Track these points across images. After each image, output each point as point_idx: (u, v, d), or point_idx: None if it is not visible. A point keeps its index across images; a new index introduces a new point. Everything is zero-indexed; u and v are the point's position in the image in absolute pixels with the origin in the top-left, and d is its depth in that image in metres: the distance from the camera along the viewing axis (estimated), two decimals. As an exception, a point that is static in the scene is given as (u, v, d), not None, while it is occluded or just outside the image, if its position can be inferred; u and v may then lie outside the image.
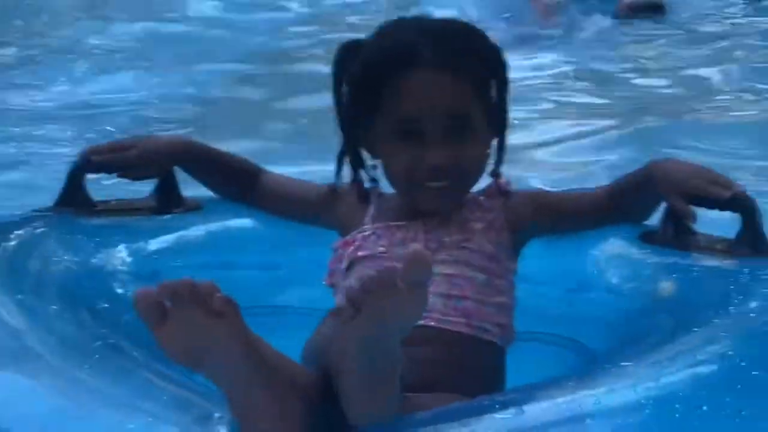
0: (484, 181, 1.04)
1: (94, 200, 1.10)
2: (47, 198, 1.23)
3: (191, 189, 1.23)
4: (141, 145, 1.18)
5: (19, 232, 1.04)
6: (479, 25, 1.11)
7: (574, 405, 0.65)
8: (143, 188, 1.20)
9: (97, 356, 0.81)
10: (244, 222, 1.22)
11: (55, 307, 0.87)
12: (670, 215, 1.05)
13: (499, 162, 1.03)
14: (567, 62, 4.00)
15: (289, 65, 3.99)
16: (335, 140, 1.07)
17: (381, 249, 0.96)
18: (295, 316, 1.12)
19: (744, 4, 4.48)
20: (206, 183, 1.22)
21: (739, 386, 0.69)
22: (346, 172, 1.07)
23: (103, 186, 1.21)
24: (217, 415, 0.65)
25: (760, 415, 0.66)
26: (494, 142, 1.03)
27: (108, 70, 3.89)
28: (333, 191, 1.09)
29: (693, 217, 1.02)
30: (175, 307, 0.53)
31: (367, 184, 1.06)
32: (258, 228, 1.22)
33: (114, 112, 3.23)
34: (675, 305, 0.96)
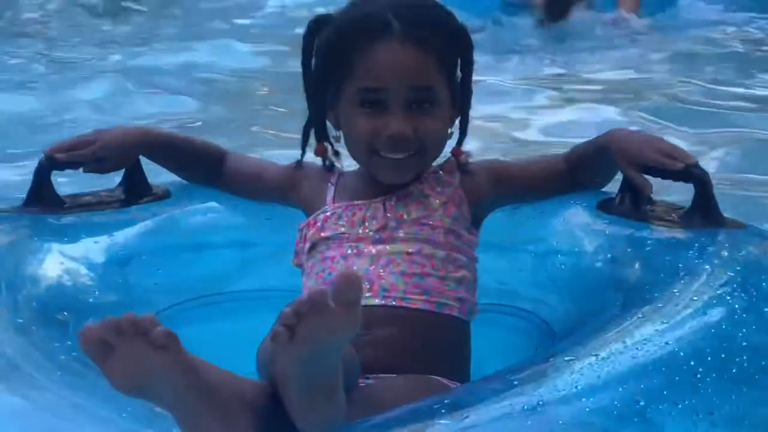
0: (443, 157, 1.05)
1: (61, 197, 1.10)
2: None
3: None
4: (104, 138, 1.19)
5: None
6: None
7: (517, 405, 0.67)
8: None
9: (60, 369, 0.82)
10: (214, 205, 1.22)
11: (20, 320, 0.86)
12: (627, 185, 1.07)
13: (461, 140, 1.06)
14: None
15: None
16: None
17: (342, 229, 0.99)
18: (267, 300, 1.11)
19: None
20: (172, 169, 1.22)
21: (677, 378, 0.72)
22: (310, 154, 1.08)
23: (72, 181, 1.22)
24: (175, 431, 0.66)
25: (697, 403, 0.70)
26: (457, 121, 1.04)
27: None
28: (297, 170, 1.10)
29: (649, 188, 1.04)
30: (119, 343, 0.55)
31: (328, 164, 1.07)
32: (227, 211, 1.21)
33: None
34: (626, 279, 0.99)
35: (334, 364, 0.61)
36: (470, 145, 1.14)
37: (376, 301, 0.94)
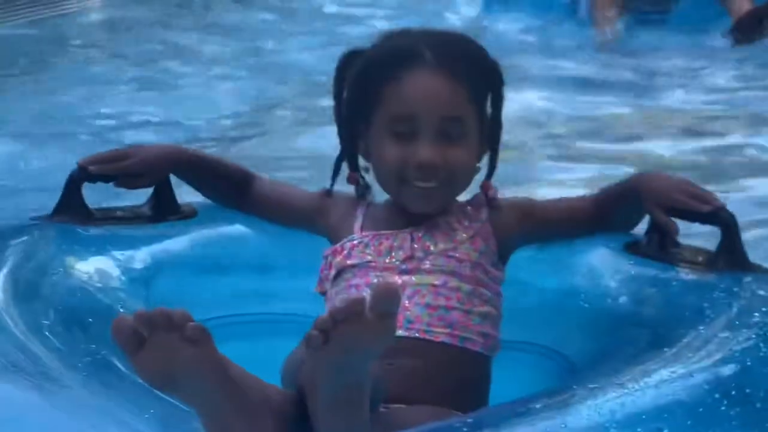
0: (472, 192, 1.06)
1: (91, 209, 1.11)
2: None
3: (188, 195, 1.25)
4: (137, 154, 1.19)
5: (16, 240, 1.05)
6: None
7: (539, 428, 0.67)
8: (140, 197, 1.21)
9: (85, 372, 0.83)
10: (239, 228, 1.23)
11: (47, 321, 0.88)
12: (655, 227, 1.09)
13: (489, 174, 1.06)
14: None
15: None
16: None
17: (368, 258, 0.99)
18: (288, 324, 1.12)
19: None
20: (201, 190, 1.24)
21: (701, 410, 0.71)
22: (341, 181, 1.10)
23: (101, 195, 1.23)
24: None
25: None
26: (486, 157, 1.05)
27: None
28: (325, 198, 1.10)
29: (675, 230, 1.05)
30: (151, 335, 0.56)
31: (360, 191, 1.07)
32: (252, 234, 1.23)
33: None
34: (650, 319, 0.99)
35: (363, 374, 0.62)
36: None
37: (400, 332, 0.89)
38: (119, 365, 0.85)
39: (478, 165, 1.04)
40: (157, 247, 1.21)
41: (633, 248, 1.11)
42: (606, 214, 1.12)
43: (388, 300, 0.56)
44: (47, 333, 0.91)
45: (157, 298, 1.07)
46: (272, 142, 3.10)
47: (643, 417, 0.70)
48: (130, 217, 1.24)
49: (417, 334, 0.93)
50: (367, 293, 0.62)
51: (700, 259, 1.07)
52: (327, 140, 1.60)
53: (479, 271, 0.99)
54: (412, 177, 0.96)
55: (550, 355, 1.12)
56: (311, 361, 0.61)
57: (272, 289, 1.16)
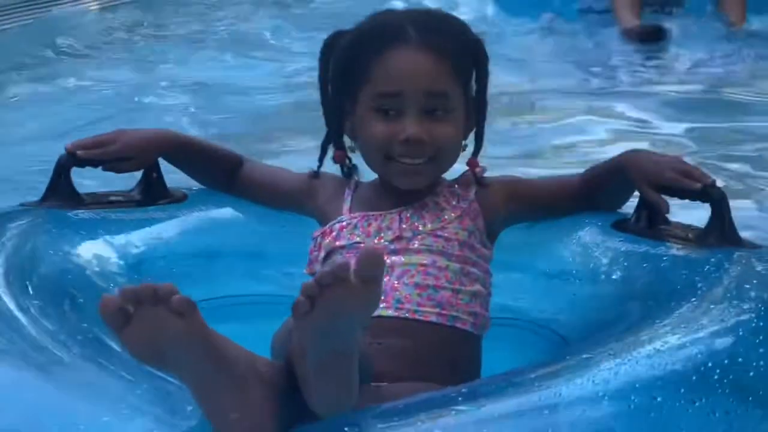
0: (459, 170, 1.07)
1: (80, 193, 1.11)
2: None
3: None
4: (125, 138, 1.19)
5: (6, 225, 1.06)
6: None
7: (534, 398, 0.68)
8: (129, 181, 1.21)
9: (76, 350, 0.83)
10: (230, 212, 1.24)
11: (38, 301, 0.88)
12: (644, 204, 1.09)
13: (476, 151, 1.06)
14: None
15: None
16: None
17: (357, 239, 0.99)
18: (279, 305, 1.02)
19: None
20: (190, 173, 1.25)
21: (694, 378, 0.72)
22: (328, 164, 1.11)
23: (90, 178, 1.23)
24: (189, 408, 0.67)
25: (715, 406, 0.70)
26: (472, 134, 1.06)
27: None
28: (313, 179, 1.11)
29: (666, 208, 1.06)
30: (138, 310, 0.56)
31: (346, 170, 1.09)
32: (242, 217, 1.24)
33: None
34: (641, 294, 1.00)
35: (351, 341, 0.62)
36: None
37: (390, 313, 0.94)
38: (112, 344, 0.85)
39: (464, 142, 1.05)
40: (148, 231, 1.20)
41: (621, 226, 1.12)
42: (594, 192, 1.13)
43: (372, 265, 0.57)
44: (39, 315, 0.91)
45: (148, 281, 1.07)
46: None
47: (637, 386, 0.71)
48: (120, 201, 1.24)
49: (407, 315, 0.94)
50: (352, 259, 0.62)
51: (690, 235, 1.07)
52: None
53: (468, 250, 1.00)
54: (398, 153, 0.97)
55: (542, 332, 1.12)
56: (298, 329, 0.62)
57: (263, 271, 1.17)
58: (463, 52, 1.02)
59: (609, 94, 3.62)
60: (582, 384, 0.71)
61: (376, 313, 0.68)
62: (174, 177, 1.25)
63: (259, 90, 3.38)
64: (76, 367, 0.79)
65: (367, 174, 1.11)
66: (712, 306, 0.87)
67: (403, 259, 0.98)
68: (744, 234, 1.13)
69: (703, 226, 1.08)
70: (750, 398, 0.76)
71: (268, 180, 1.21)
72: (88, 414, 0.72)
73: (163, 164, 1.20)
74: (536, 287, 1.15)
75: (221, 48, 4.02)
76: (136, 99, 3.26)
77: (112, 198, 1.15)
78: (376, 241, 1.01)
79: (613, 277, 1.08)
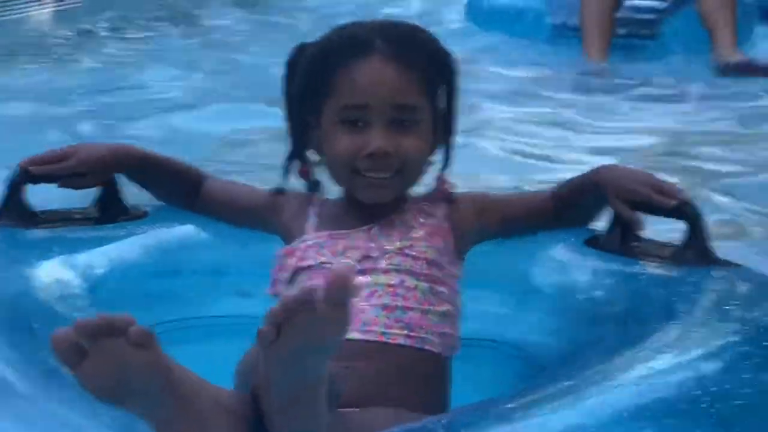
0: (427, 187, 1.07)
1: (35, 211, 1.09)
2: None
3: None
4: (82, 153, 1.16)
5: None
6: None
7: (519, 429, 0.67)
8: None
9: (35, 380, 0.79)
10: (191, 230, 1.22)
11: None
12: (617, 221, 1.08)
13: (445, 167, 1.05)
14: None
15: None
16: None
17: (323, 259, 0.97)
18: (241, 326, 1.08)
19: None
20: (150, 189, 1.22)
21: (682, 407, 0.71)
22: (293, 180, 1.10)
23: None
24: None
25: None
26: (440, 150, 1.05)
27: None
28: (276, 196, 1.10)
29: (640, 225, 1.05)
30: (93, 345, 0.54)
31: (311, 186, 1.07)
32: (205, 235, 1.22)
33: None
34: (619, 314, 0.98)
35: (319, 369, 0.60)
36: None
37: (356, 335, 0.90)
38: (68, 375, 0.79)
39: (431, 158, 1.04)
40: (105, 250, 1.15)
41: (594, 243, 1.11)
42: (566, 208, 1.12)
43: (341, 289, 0.54)
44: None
45: (105, 302, 1.04)
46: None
47: (625, 416, 0.68)
48: (77, 218, 1.20)
49: (374, 337, 0.92)
50: (319, 284, 0.57)
51: (665, 253, 1.06)
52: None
53: (436, 269, 0.98)
54: (364, 168, 0.96)
55: (514, 353, 1.10)
56: (263, 359, 0.59)
57: (225, 291, 1.15)
58: (431, 65, 1.01)
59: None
60: (567, 415, 0.70)
61: None
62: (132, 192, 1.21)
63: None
64: (33, 398, 0.76)
65: (332, 190, 1.10)
66: (694, 329, 0.87)
67: (370, 279, 0.95)
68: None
69: (676, 244, 1.08)
70: (737, 428, 0.74)
71: (231, 197, 1.19)
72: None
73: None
74: (507, 306, 1.11)
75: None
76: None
77: (69, 216, 1.12)
78: (342, 260, 0.98)
79: (588, 296, 1.05)
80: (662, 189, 1.03)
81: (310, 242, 1.00)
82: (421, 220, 1.01)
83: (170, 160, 1.26)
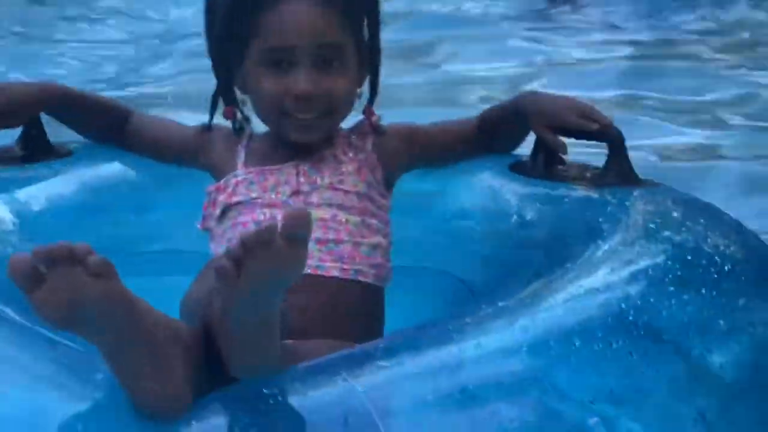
0: (355, 119, 1.10)
1: (-42, 152, 1.06)
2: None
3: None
4: (6, 92, 1.15)
5: None
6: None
7: (454, 350, 0.71)
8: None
9: None
10: (117, 167, 1.23)
11: None
12: (541, 146, 1.12)
13: (371, 100, 1.07)
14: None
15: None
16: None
17: (253, 194, 1.01)
18: (171, 261, 1.15)
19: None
20: (75, 127, 1.22)
21: (610, 321, 0.77)
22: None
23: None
24: (99, 375, 0.66)
25: (633, 348, 0.75)
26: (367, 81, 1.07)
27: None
28: (205, 133, 1.11)
29: (563, 148, 1.10)
30: (51, 271, 0.53)
31: (237, 125, 1.10)
32: (131, 172, 1.22)
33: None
34: (545, 237, 1.04)
35: (276, 304, 0.63)
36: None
37: None
38: (8, 311, 0.83)
39: (359, 90, 1.05)
40: (35, 188, 1.16)
41: (519, 168, 1.15)
42: (490, 135, 1.16)
43: (299, 225, 0.57)
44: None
45: (36, 240, 1.02)
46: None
47: (556, 332, 0.74)
48: (2, 158, 1.19)
49: (309, 271, 0.88)
50: (277, 219, 0.62)
51: (588, 175, 1.11)
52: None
53: (367, 202, 1.02)
54: (291, 109, 0.98)
55: (444, 278, 1.15)
56: (222, 294, 0.61)
57: (153, 227, 1.17)
58: (352, 1, 1.03)
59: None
60: (501, 334, 0.75)
61: None
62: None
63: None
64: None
65: (258, 126, 1.11)
66: (620, 248, 0.92)
67: (321, 206, 1.00)
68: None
69: (599, 166, 1.13)
70: (664, 338, 0.80)
71: (159, 134, 1.19)
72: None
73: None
74: (436, 233, 1.16)
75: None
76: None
77: None
78: (273, 196, 1.02)
79: (514, 220, 1.10)
80: (585, 113, 1.07)
81: (239, 178, 1.02)
82: (351, 154, 1.04)
83: (95, 97, 1.26)
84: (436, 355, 0.74)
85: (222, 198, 1.02)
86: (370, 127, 1.08)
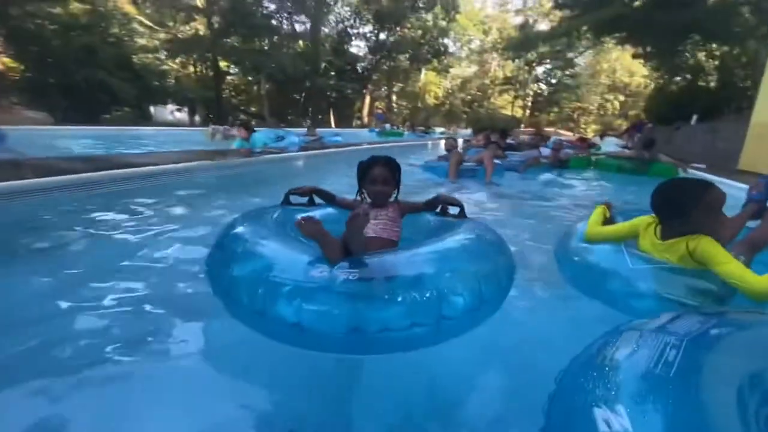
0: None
1: None
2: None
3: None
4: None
5: None
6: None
7: (408, 254, 2.09)
8: None
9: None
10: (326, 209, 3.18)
11: None
12: (442, 206, 3.02)
13: (396, 195, 2.78)
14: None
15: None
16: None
17: (371, 214, 2.49)
18: None
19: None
20: (322, 198, 3.17)
21: (467, 253, 2.24)
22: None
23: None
24: (316, 251, 2.02)
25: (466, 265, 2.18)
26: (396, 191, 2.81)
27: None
28: (356, 200, 2.79)
29: (449, 209, 3.04)
30: (304, 226, 2.01)
31: (365, 197, 2.75)
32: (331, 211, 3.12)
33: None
34: (432, 231, 2.79)
35: (362, 235, 2.15)
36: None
37: (373, 234, 2.57)
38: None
39: (394, 192, 2.72)
40: (316, 211, 3.05)
41: (436, 212, 2.92)
42: (428, 207, 3.01)
43: (365, 218, 2.09)
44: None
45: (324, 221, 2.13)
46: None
47: (448, 255, 2.16)
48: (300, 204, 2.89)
49: (385, 236, 2.55)
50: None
51: (452, 217, 2.85)
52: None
53: (395, 223, 2.63)
54: (374, 192, 2.67)
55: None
56: (349, 230, 2.04)
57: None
58: (395, 169, 2.71)
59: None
60: (417, 252, 2.10)
61: (371, 235, 2.45)
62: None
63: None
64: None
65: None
66: (458, 235, 2.39)
67: (379, 220, 2.60)
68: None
69: (456, 215, 2.84)
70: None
71: (345, 202, 3.13)
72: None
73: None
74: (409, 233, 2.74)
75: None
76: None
77: None
78: (372, 218, 2.56)
79: (427, 226, 2.85)
80: (453, 201, 2.89)
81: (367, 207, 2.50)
82: (391, 208, 2.65)
83: (329, 193, 3.23)
84: (404, 253, 2.08)
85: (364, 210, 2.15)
86: (396, 202, 2.73)
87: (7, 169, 5.24)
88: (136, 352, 1.89)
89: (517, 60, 49.56)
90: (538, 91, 56.11)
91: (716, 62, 21.18)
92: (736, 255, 2.23)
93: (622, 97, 54.64)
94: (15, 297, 2.35)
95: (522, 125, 39.84)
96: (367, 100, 46.32)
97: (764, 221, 2.76)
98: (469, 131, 29.81)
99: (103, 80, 24.00)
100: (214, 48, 32.55)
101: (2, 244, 3.22)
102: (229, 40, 34.04)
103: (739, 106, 17.66)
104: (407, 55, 46.64)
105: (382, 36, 44.94)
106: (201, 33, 32.59)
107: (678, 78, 24.93)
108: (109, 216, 4.22)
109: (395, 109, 48.50)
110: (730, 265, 2.09)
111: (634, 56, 31.07)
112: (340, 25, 44.49)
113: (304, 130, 13.53)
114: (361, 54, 46.00)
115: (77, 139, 13.51)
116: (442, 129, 29.48)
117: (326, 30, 43.44)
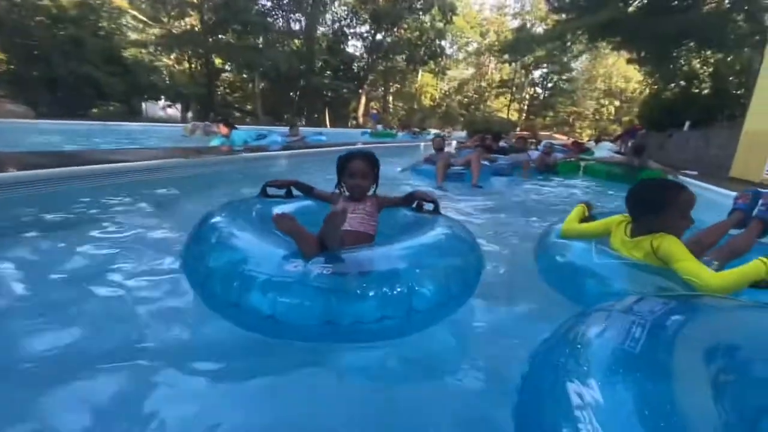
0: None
1: None
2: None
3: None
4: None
5: None
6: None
7: (384, 250, 2.14)
8: None
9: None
10: (303, 201, 3.23)
11: None
12: (417, 203, 3.13)
13: (375, 189, 2.91)
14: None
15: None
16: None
17: (349, 208, 2.66)
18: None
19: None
20: (300, 190, 3.28)
21: (438, 250, 2.27)
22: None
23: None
24: (291, 245, 2.04)
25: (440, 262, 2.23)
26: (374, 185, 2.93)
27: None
28: (335, 193, 2.89)
29: (424, 206, 3.09)
30: (278, 221, 2.03)
31: (343, 191, 2.87)
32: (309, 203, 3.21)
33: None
34: (410, 226, 2.77)
35: (339, 232, 2.11)
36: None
37: (350, 228, 2.62)
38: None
39: (372, 186, 2.85)
40: (288, 205, 3.05)
41: (413, 209, 3.02)
42: (404, 203, 3.05)
43: (343, 216, 2.09)
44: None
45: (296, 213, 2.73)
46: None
47: (422, 251, 2.18)
48: (277, 196, 3.01)
49: (361, 230, 2.66)
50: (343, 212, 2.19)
51: (428, 212, 2.91)
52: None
53: (372, 217, 2.74)
54: (353, 185, 2.78)
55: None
56: (326, 226, 1.99)
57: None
58: (374, 163, 2.83)
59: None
60: (389, 248, 2.12)
61: (346, 228, 2.52)
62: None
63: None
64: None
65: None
66: (430, 231, 2.43)
67: (357, 215, 2.70)
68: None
69: (431, 211, 2.92)
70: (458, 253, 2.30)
71: (321, 195, 3.26)
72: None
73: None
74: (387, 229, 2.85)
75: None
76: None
77: None
78: (349, 212, 2.65)
79: (403, 221, 2.92)
80: (428, 197, 2.98)
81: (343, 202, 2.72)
82: (368, 203, 2.75)
83: (306, 185, 3.33)
84: (377, 249, 2.12)
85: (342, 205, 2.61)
86: (375, 196, 2.85)
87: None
88: (111, 356, 1.91)
89: (513, 63, 49.64)
90: (534, 95, 56.27)
91: (710, 69, 21.28)
92: (710, 260, 2.34)
93: (617, 103, 55.00)
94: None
95: (518, 128, 39.96)
96: (363, 100, 46.49)
97: (746, 231, 2.81)
98: (463, 134, 29.76)
99: (89, 74, 23.80)
100: (206, 44, 32.34)
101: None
102: (223, 37, 33.79)
103: (732, 113, 17.80)
104: (404, 56, 46.69)
105: (379, 36, 44.97)
106: (195, 29, 32.27)
107: (672, 84, 25.06)
108: (71, 215, 4.16)
109: (391, 110, 48.48)
110: (687, 263, 2.13)
111: (629, 61, 31.35)
112: (337, 24, 44.53)
113: (286, 129, 13.52)
114: (357, 54, 45.94)
115: (52, 134, 13.29)
116: (436, 131, 29.54)
117: (322, 29, 43.33)
